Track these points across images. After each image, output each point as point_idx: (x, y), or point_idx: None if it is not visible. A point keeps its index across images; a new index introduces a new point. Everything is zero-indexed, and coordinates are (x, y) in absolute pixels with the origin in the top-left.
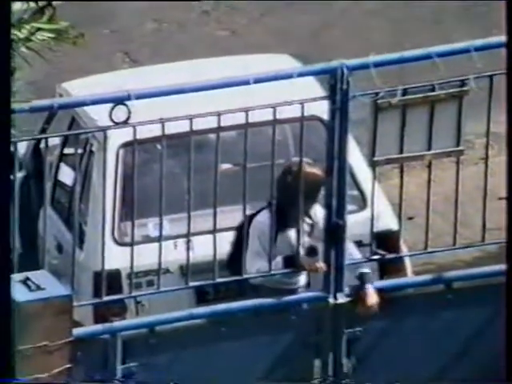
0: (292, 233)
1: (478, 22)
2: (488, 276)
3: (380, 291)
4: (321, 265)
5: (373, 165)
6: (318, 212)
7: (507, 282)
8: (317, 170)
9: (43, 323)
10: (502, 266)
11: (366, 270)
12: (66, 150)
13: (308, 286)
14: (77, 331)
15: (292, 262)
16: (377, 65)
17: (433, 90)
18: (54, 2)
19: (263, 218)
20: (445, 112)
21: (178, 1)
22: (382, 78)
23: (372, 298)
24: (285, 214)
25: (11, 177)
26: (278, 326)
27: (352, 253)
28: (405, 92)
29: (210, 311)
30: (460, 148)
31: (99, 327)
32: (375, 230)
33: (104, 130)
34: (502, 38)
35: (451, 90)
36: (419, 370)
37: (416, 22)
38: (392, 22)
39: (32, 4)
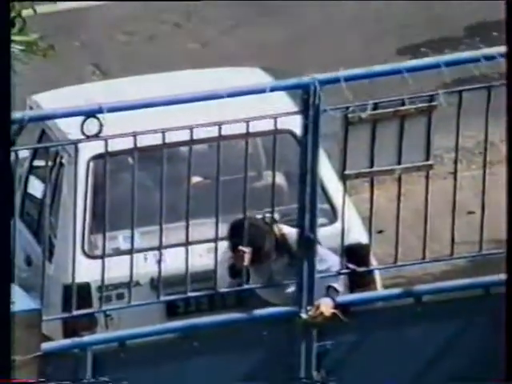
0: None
1: (449, 37)
2: (457, 290)
3: (349, 305)
4: (243, 249)
5: (343, 178)
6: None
7: (507, 283)
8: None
9: (11, 337)
10: (471, 280)
11: (334, 284)
12: (36, 163)
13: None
14: (46, 346)
15: (236, 270)
16: (347, 79)
17: (403, 104)
18: (23, 14)
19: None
20: (414, 126)
21: (170, 0)
22: (353, 93)
23: (325, 309)
24: None
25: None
26: (249, 341)
27: (330, 259)
28: (375, 106)
29: (181, 325)
30: (429, 162)
31: (68, 341)
32: (345, 243)
33: (75, 143)
34: (471, 54)
35: (421, 105)
36: (388, 383)
37: (388, 37)
38: (364, 36)
39: None
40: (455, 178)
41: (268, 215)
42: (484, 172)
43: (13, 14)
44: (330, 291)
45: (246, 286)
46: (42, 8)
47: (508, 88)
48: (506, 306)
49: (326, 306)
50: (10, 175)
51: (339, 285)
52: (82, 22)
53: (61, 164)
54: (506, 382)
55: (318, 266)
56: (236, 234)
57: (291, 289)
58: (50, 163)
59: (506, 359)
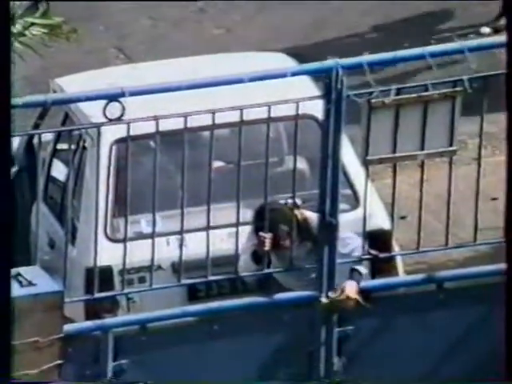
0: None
1: (470, 20)
2: (479, 276)
3: (371, 290)
4: (264, 235)
5: (366, 164)
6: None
7: (507, 282)
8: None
9: (34, 319)
10: (494, 267)
11: (360, 268)
12: (59, 146)
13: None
14: (68, 327)
15: (260, 256)
16: (371, 64)
17: (426, 89)
18: None
19: None
20: (438, 112)
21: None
22: (376, 77)
23: (350, 291)
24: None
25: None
26: (270, 325)
27: (353, 242)
28: (398, 92)
29: (202, 309)
30: (453, 148)
31: (90, 324)
32: (367, 229)
33: (97, 126)
34: (496, 39)
35: (445, 90)
36: (409, 369)
37: (411, 21)
38: (387, 21)
39: None
40: (479, 164)
41: (290, 200)
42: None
43: None
44: (354, 274)
45: (266, 270)
46: None
47: (507, 91)
48: (505, 306)
49: (350, 289)
50: (9, 174)
51: (363, 267)
52: (107, 6)
53: (84, 147)
54: (506, 382)
55: (342, 249)
56: (260, 219)
57: (312, 275)
58: (73, 147)
59: (506, 359)
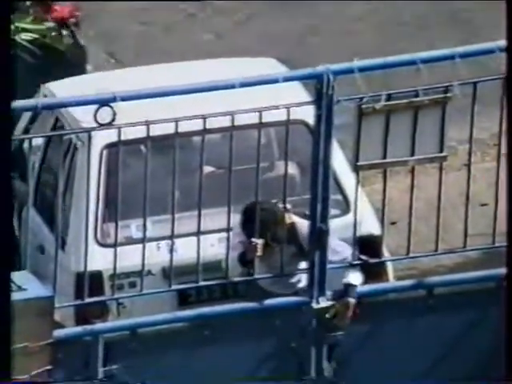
0: None
1: (462, 29)
2: (469, 282)
3: (361, 296)
4: (256, 241)
5: (356, 169)
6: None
7: (507, 281)
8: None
9: (24, 324)
10: (483, 272)
11: (353, 281)
12: (50, 151)
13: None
14: (58, 333)
15: (247, 259)
16: (361, 70)
17: (417, 95)
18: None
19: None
20: (428, 118)
21: (165, 0)
22: (367, 83)
23: (349, 313)
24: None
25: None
26: (261, 330)
27: (344, 251)
28: (389, 97)
29: (193, 314)
30: (443, 154)
31: (80, 329)
32: (358, 234)
33: (88, 131)
34: (485, 45)
35: (435, 96)
36: (400, 374)
37: (401, 27)
38: (377, 27)
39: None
40: (469, 170)
41: (280, 204)
42: (498, 164)
43: (29, 3)
44: (349, 290)
45: (257, 276)
46: None
47: (508, 87)
48: (505, 307)
49: (348, 311)
50: (10, 164)
51: (356, 277)
52: (98, 11)
53: (74, 152)
54: (506, 382)
55: (332, 257)
56: (248, 218)
57: (296, 279)
58: (63, 151)
59: (506, 359)
